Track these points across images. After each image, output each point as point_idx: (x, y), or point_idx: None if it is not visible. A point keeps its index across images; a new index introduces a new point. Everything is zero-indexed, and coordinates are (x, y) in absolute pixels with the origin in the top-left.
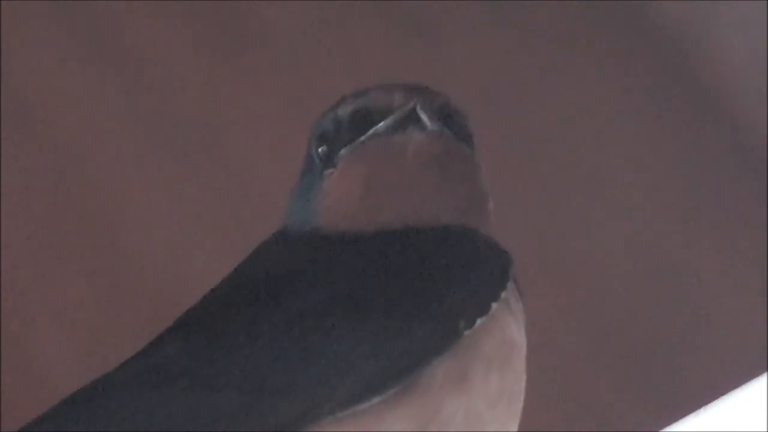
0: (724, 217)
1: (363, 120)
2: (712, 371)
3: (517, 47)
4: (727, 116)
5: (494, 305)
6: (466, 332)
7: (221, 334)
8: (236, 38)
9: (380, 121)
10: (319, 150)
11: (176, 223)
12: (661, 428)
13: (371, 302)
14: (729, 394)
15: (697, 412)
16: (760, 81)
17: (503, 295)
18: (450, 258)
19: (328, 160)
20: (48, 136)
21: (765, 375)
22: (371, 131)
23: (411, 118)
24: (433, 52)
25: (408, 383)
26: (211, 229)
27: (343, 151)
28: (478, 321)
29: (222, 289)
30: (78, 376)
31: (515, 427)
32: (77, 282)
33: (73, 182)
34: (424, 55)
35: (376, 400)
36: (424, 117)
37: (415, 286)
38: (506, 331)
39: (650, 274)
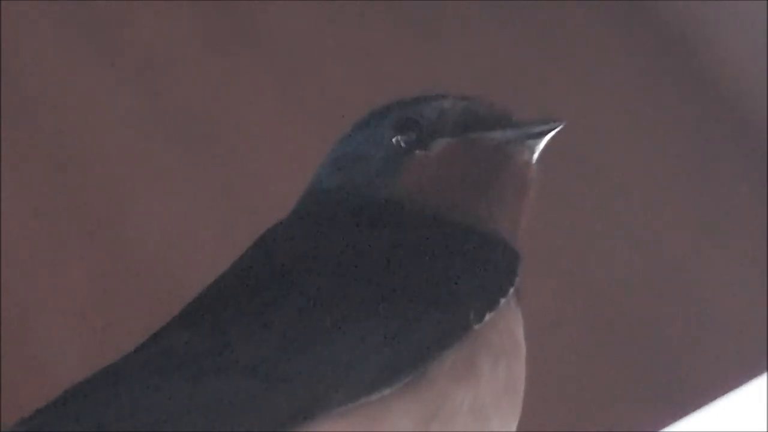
0: (724, 216)
1: (474, 120)
2: (712, 371)
3: (517, 46)
4: (729, 116)
5: (503, 300)
6: (476, 326)
7: (232, 321)
8: (241, 33)
9: (493, 126)
10: (405, 131)
11: (179, 216)
12: (662, 428)
13: (382, 292)
14: (729, 393)
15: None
16: (762, 80)
17: (511, 290)
18: (460, 252)
19: (419, 143)
20: (51, 129)
21: (765, 375)
22: (492, 132)
23: (535, 140)
24: (433, 52)
25: (415, 375)
26: (214, 222)
27: (443, 140)
28: (487, 315)
29: (233, 273)
30: (80, 370)
31: (515, 426)
32: (80, 274)
33: (77, 174)
34: (424, 55)
35: (386, 392)
36: (542, 146)
37: (426, 278)
38: (511, 327)
39: (651, 273)
